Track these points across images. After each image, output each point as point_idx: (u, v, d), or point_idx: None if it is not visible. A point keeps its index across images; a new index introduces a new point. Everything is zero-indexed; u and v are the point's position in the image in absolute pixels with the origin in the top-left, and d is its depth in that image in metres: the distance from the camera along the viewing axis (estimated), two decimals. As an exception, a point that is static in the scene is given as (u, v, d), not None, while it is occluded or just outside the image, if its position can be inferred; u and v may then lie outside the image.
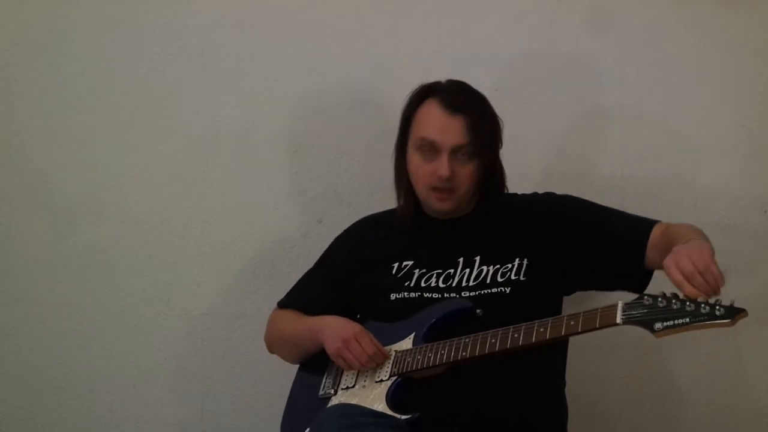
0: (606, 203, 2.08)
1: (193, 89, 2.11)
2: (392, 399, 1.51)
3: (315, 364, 1.71)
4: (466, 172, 1.62)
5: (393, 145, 1.71)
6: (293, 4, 2.10)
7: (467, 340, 1.49)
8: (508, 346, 1.44)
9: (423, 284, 1.64)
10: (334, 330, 1.62)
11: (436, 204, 1.65)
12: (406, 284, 1.65)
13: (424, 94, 1.68)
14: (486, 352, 1.46)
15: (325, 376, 1.67)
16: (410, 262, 1.67)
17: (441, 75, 1.72)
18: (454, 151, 1.60)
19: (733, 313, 1.26)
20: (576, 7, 2.07)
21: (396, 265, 1.68)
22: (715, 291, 1.32)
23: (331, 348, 1.60)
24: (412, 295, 1.63)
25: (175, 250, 2.13)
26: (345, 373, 1.63)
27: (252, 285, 2.13)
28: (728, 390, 2.11)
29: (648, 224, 1.60)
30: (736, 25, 2.02)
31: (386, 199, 1.89)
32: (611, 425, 2.11)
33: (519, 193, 1.75)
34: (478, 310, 1.55)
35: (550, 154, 2.05)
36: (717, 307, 1.27)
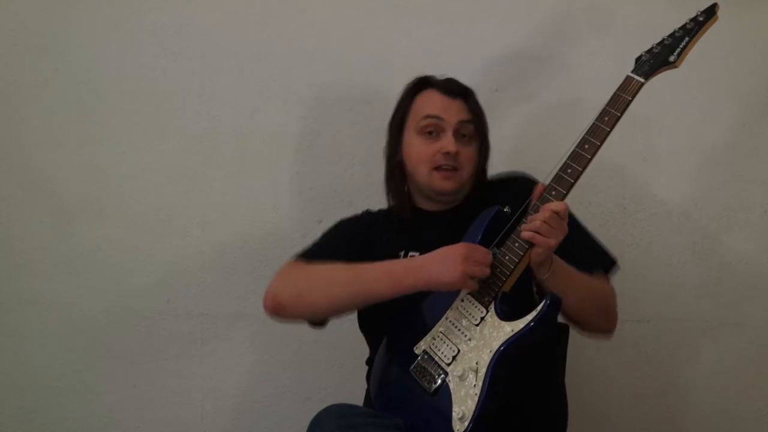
0: (606, 203, 2.10)
1: (193, 89, 2.11)
2: (506, 316, 1.44)
3: (389, 347, 1.63)
4: (469, 153, 1.66)
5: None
6: (293, 4, 2.10)
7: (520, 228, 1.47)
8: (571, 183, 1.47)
9: None
10: (442, 257, 1.48)
11: (439, 183, 1.65)
12: None
13: (419, 85, 1.72)
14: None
15: (402, 348, 1.55)
16: (416, 253, 1.66)
17: (440, 74, 1.73)
18: (457, 130, 1.64)
19: (711, 11, 1.46)
20: (576, 6, 2.07)
21: (402, 253, 1.67)
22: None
23: (454, 274, 1.44)
24: None
25: (175, 250, 2.13)
26: (433, 336, 1.52)
27: (252, 285, 2.12)
28: (728, 390, 2.11)
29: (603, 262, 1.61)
30: (737, 24, 2.02)
31: (386, 199, 1.89)
32: (611, 425, 2.11)
33: (494, 176, 1.74)
34: (505, 209, 1.54)
35: (550, 154, 2.05)
36: (698, 16, 1.47)
